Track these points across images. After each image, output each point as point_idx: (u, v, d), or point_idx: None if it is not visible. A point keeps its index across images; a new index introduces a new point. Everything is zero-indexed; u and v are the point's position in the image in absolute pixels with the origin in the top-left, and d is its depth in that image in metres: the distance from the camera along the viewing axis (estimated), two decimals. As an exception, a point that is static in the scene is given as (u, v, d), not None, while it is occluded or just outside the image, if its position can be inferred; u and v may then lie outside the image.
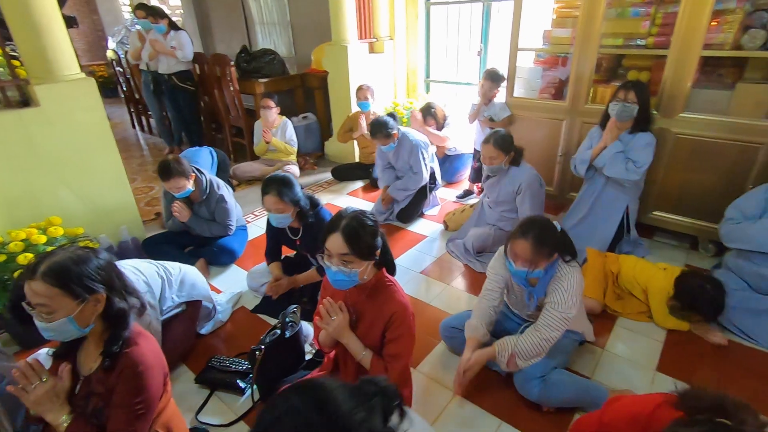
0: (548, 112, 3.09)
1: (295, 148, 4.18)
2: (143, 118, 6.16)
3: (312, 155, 4.69)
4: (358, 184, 4.12)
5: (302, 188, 2.26)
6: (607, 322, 2.19)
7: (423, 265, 2.78)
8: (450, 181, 3.99)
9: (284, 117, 4.13)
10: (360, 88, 3.85)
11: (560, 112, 3.02)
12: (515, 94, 3.24)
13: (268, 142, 4.00)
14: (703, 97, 2.54)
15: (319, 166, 4.59)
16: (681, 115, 2.55)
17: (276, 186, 2.11)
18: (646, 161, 2.44)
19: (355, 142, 4.27)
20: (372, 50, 4.45)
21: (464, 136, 3.97)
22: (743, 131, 2.38)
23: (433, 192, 3.46)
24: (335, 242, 1.37)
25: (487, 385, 1.86)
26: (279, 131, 4.08)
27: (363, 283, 1.46)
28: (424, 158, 3.28)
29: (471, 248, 2.75)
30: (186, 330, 2.06)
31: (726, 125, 2.43)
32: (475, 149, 3.70)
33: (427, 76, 4.75)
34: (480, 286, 2.50)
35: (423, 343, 2.11)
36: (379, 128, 3.15)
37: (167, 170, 2.50)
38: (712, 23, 2.37)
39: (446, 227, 3.16)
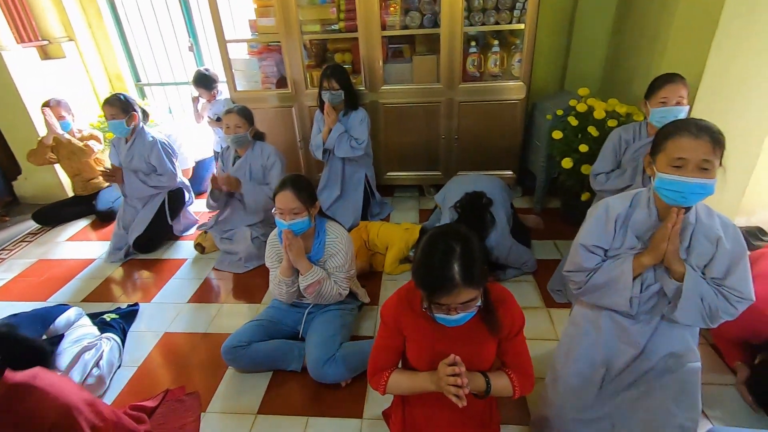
0: (276, 101, 3.10)
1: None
2: None
3: (-3, 204, 3.47)
4: (81, 224, 3.28)
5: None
6: (375, 281, 2.43)
7: (189, 293, 2.44)
8: (199, 191, 3.61)
9: None
10: (47, 106, 2.97)
11: (287, 100, 3.08)
12: (238, 88, 3.12)
13: None
14: (394, 71, 3.01)
15: (12, 216, 3.43)
16: (383, 87, 2.96)
17: None
18: (364, 136, 2.75)
19: (62, 172, 3.35)
20: (46, 55, 3.51)
21: (200, 140, 3.63)
22: (426, 94, 2.94)
23: (182, 212, 3.03)
24: None
25: (284, 392, 1.79)
26: None
27: None
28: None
29: (245, 261, 2.59)
30: None
31: (414, 91, 2.95)
32: (215, 150, 3.44)
33: (138, 80, 4.09)
34: (256, 293, 2.43)
35: (208, 378, 1.87)
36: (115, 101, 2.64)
37: None
38: (391, 9, 2.78)
39: (202, 251, 2.80)
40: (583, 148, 2.35)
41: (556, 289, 2.21)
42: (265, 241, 2.05)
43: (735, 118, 2.06)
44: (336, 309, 1.91)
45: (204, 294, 2.44)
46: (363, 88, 2.96)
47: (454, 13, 2.65)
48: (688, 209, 1.24)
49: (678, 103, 1.85)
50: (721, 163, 1.17)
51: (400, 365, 1.34)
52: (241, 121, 2.48)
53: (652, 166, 1.26)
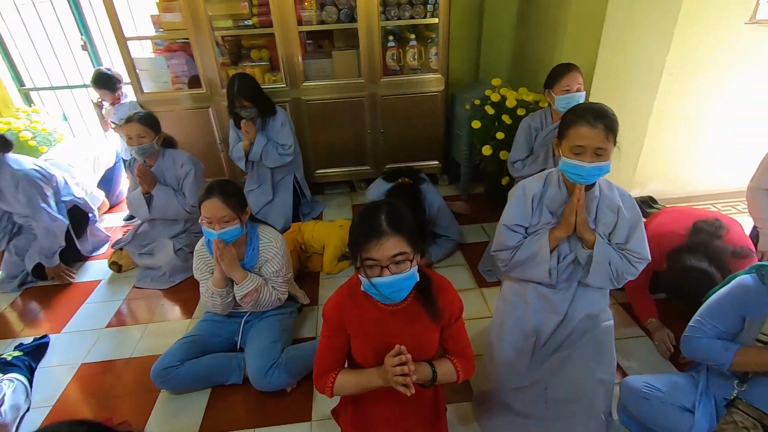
0: (190, 102, 2.91)
1: None
2: None
3: None
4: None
5: None
6: (313, 281, 2.39)
7: (106, 317, 2.22)
8: (110, 204, 3.28)
9: None
10: None
11: (202, 101, 2.90)
12: (146, 90, 2.88)
13: None
14: (315, 66, 2.96)
15: None
16: (304, 84, 2.90)
17: None
18: (289, 140, 2.67)
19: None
20: None
21: (107, 145, 3.29)
22: (349, 89, 2.93)
23: (88, 229, 2.73)
24: None
25: (226, 407, 1.71)
26: None
27: None
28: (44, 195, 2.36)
29: (171, 275, 2.42)
30: None
31: (337, 87, 2.93)
32: (123, 159, 3.15)
33: (21, 85, 3.61)
34: (186, 308, 2.27)
35: (139, 405, 1.73)
36: None
37: None
38: (306, 3, 2.72)
39: (119, 269, 2.54)
40: (500, 135, 2.49)
41: (486, 270, 2.34)
42: (191, 252, 1.93)
43: (624, 102, 2.31)
44: (275, 314, 1.85)
45: (125, 316, 2.23)
46: (284, 85, 2.88)
47: (370, 8, 2.66)
48: (591, 185, 1.38)
49: (578, 90, 2.05)
50: (615, 143, 1.31)
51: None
52: (143, 129, 2.23)
53: (559, 148, 1.39)
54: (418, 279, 1.14)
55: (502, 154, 2.52)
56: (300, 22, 2.74)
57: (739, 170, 2.88)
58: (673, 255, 1.78)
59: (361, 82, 2.91)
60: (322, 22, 2.80)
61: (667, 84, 2.47)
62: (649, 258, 1.41)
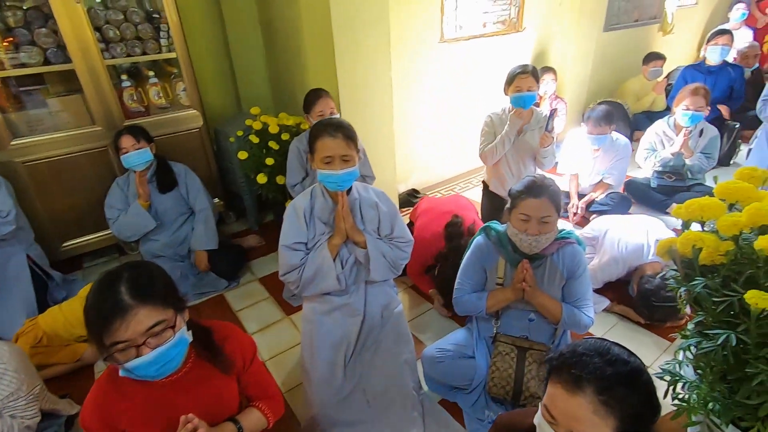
0: None
1: None
2: None
3: None
4: None
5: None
6: (85, 378, 1.91)
7: None
8: None
9: None
10: None
11: None
12: None
13: None
14: (27, 119, 2.39)
15: None
16: (13, 143, 2.29)
17: None
18: (7, 205, 2.06)
19: None
20: None
21: None
22: (84, 140, 2.46)
23: None
24: None
25: None
26: None
27: None
28: None
29: None
30: None
31: (67, 139, 2.42)
32: None
33: None
34: None
35: None
36: None
37: None
38: None
39: None
40: (270, 161, 2.50)
41: (290, 296, 2.31)
42: None
43: (370, 115, 2.63)
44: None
45: None
46: (-18, 148, 2.21)
47: (85, 46, 2.29)
48: (349, 191, 1.51)
49: (332, 113, 2.24)
50: (358, 150, 1.46)
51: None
52: None
53: (313, 163, 1.47)
54: (191, 339, 1.01)
55: (279, 179, 2.54)
56: (-8, 68, 2.16)
57: (450, 157, 3.69)
58: (440, 257, 2.11)
59: (99, 130, 2.48)
60: (23, 65, 2.28)
61: (398, 95, 2.93)
62: (412, 240, 1.62)
